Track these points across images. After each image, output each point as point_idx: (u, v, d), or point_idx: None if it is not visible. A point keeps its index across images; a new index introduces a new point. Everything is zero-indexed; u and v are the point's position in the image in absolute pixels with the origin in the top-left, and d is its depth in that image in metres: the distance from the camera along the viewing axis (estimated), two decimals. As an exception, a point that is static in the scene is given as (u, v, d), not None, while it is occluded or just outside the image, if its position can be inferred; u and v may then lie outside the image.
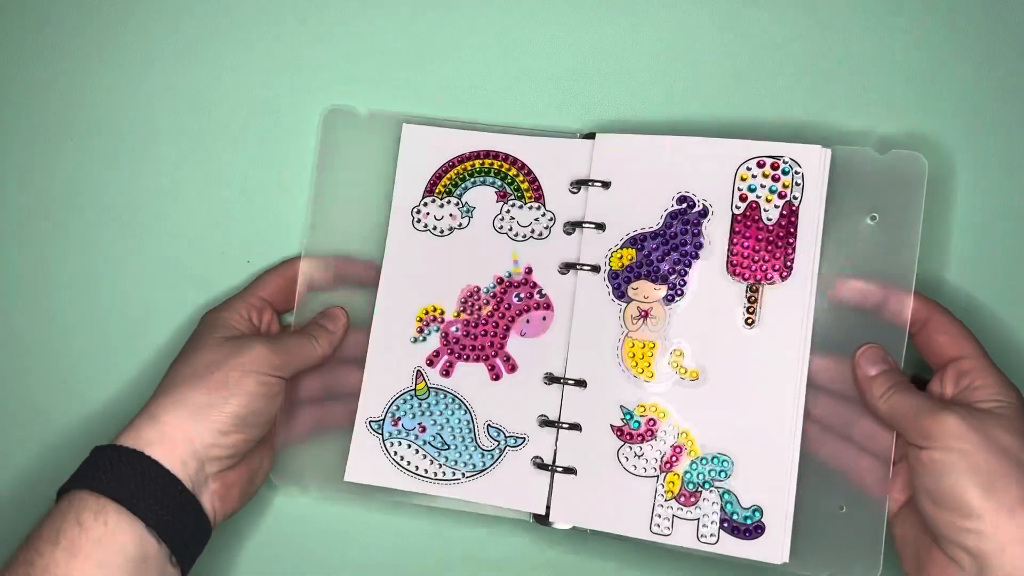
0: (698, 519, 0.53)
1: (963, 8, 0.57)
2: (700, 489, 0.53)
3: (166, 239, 0.61)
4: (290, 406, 0.56)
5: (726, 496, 0.53)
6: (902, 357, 0.51)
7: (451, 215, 0.57)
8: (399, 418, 0.56)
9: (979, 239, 0.57)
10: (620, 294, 0.55)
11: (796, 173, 0.53)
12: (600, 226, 0.55)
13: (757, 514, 0.52)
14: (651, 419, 0.54)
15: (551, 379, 0.56)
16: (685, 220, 0.54)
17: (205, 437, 0.49)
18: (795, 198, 0.53)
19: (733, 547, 0.52)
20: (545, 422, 0.55)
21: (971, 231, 0.57)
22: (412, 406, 0.56)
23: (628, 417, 0.55)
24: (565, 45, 0.60)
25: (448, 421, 0.56)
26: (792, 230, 0.53)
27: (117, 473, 0.47)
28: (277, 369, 0.52)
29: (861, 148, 0.52)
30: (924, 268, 0.54)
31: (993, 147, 0.57)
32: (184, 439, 0.49)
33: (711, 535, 0.53)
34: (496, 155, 0.57)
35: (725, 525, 0.53)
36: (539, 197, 0.57)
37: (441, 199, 0.57)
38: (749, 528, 0.52)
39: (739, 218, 0.54)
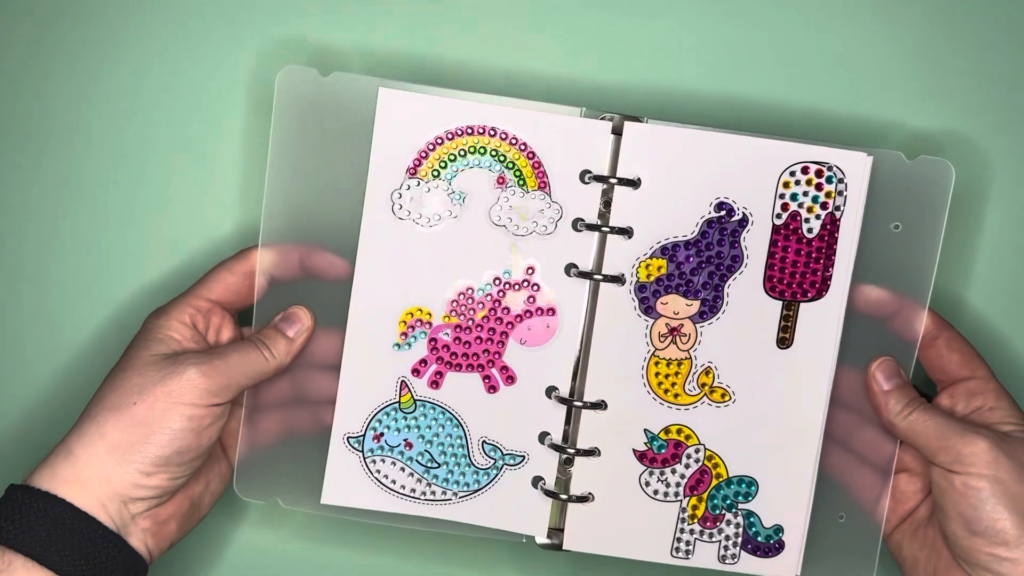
0: (720, 541, 0.52)
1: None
2: (724, 512, 0.52)
3: (89, 221, 0.57)
4: (253, 412, 0.52)
5: (750, 518, 0.52)
6: (911, 371, 0.51)
7: (440, 202, 0.49)
8: (381, 433, 0.51)
9: (1005, 260, 0.55)
10: (647, 308, 0.51)
11: (840, 182, 0.49)
12: (625, 231, 0.49)
13: (779, 533, 0.52)
14: (677, 443, 0.52)
15: (558, 396, 0.52)
16: (723, 230, 0.50)
17: (125, 478, 0.46)
18: (838, 210, 0.49)
19: (751, 566, 0.52)
20: (551, 444, 0.52)
21: (999, 251, 0.55)
22: (396, 420, 0.51)
23: (652, 441, 0.51)
24: (587, 9, 0.53)
25: (438, 437, 0.51)
26: (833, 245, 0.50)
27: (26, 521, 0.45)
28: (212, 396, 0.47)
29: (892, 151, 0.50)
30: (944, 285, 0.54)
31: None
32: (102, 479, 0.46)
33: (732, 556, 0.52)
34: (494, 132, 0.48)
35: (748, 546, 0.52)
36: (544, 185, 0.49)
37: (427, 182, 0.49)
38: (771, 547, 0.52)
39: (779, 229, 0.50)
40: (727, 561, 0.52)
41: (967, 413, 0.50)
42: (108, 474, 0.46)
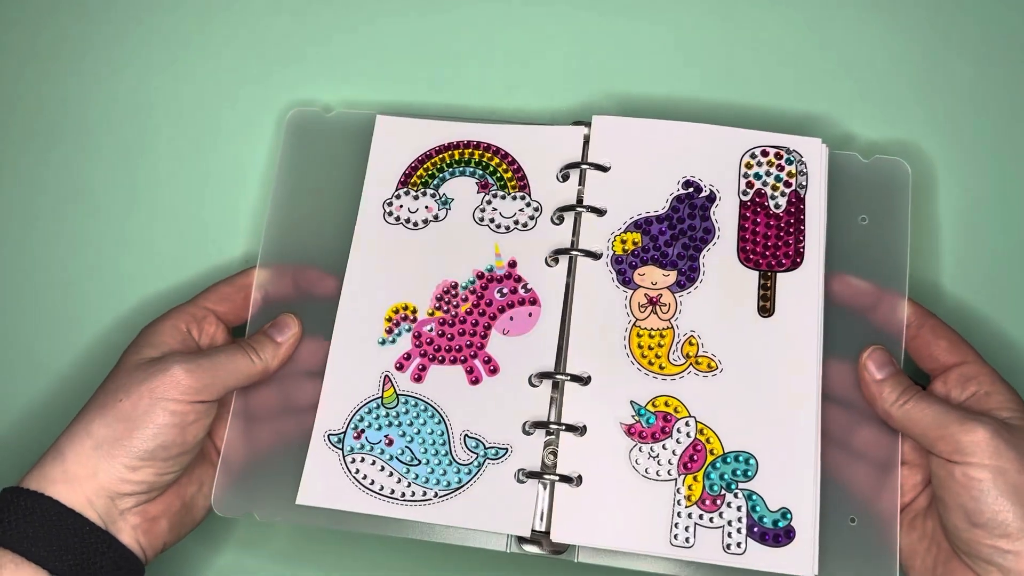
0: (722, 527, 0.49)
1: (956, 20, 0.61)
2: (724, 492, 0.50)
3: (115, 241, 0.61)
4: (241, 423, 0.53)
5: (753, 499, 0.50)
6: (901, 361, 0.52)
7: (426, 207, 0.53)
8: (362, 430, 0.51)
9: (968, 244, 0.59)
10: (625, 280, 0.53)
11: (800, 163, 0.54)
12: (599, 211, 0.53)
13: (787, 517, 0.49)
14: (666, 415, 0.51)
15: (542, 377, 0.52)
16: (692, 204, 0.54)
17: (111, 473, 0.48)
18: (801, 187, 0.54)
19: (761, 558, 0.49)
20: (535, 424, 0.51)
21: (959, 236, 0.59)
22: (378, 416, 0.51)
23: (640, 413, 0.51)
24: (557, 32, 0.62)
25: (419, 432, 0.51)
26: (801, 217, 0.54)
27: (14, 520, 0.47)
28: (196, 393, 0.49)
29: (847, 152, 0.55)
30: (917, 275, 0.57)
31: (973, 153, 0.60)
32: (88, 475, 0.48)
33: (738, 544, 0.49)
34: (477, 145, 0.54)
35: (754, 531, 0.49)
36: (524, 187, 0.54)
37: (416, 191, 0.53)
38: (780, 533, 0.49)
39: (747, 204, 0.54)
40: (732, 550, 0.49)
41: (963, 399, 0.50)
42: (94, 470, 0.48)
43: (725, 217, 0.54)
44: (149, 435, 0.48)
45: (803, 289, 0.52)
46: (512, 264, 0.55)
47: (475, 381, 0.53)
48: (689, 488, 0.50)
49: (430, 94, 0.61)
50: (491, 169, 0.57)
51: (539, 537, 0.51)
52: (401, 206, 0.56)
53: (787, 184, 0.54)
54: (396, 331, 0.54)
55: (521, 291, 0.55)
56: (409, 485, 0.51)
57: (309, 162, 0.58)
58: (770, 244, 0.53)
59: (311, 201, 0.57)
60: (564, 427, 0.51)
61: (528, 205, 0.56)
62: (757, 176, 0.54)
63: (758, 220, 0.54)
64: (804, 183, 0.54)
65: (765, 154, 0.55)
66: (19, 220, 0.61)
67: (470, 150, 0.57)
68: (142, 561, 0.50)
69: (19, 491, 0.47)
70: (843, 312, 0.53)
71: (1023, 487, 0.46)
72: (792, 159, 0.54)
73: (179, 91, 0.62)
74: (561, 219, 0.55)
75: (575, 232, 0.55)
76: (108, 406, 0.49)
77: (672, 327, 0.52)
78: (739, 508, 0.50)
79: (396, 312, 0.54)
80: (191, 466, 0.52)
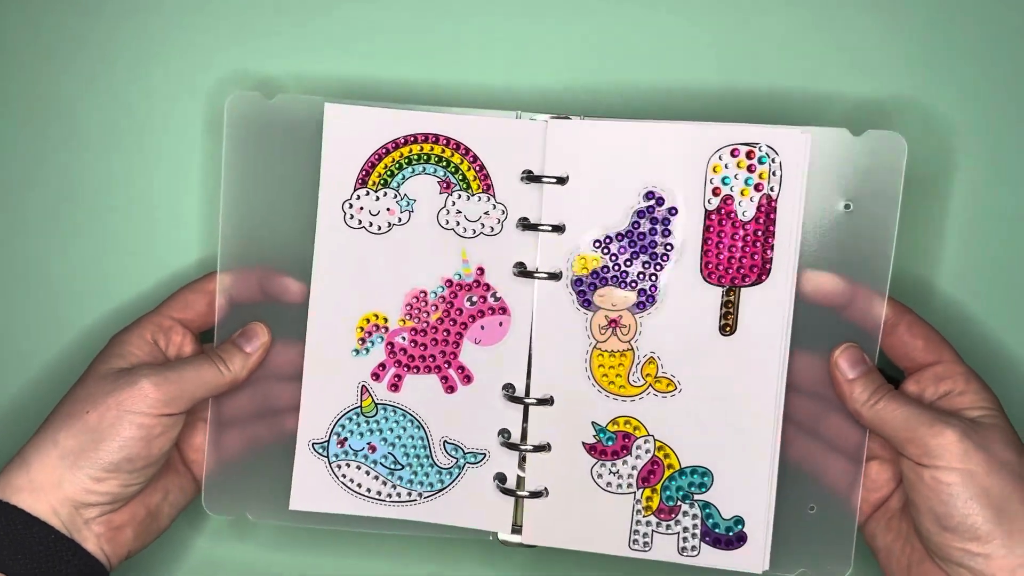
0: (678, 533, 0.54)
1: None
2: (679, 503, 0.54)
3: (60, 250, 0.61)
4: (218, 428, 0.57)
5: (707, 509, 0.54)
6: (875, 358, 0.52)
7: (388, 209, 0.53)
8: (345, 439, 0.55)
9: (974, 239, 0.56)
10: (585, 302, 0.54)
11: (773, 162, 0.52)
12: (558, 228, 0.53)
13: (739, 524, 0.54)
14: (625, 434, 0.54)
15: (512, 392, 0.55)
16: (654, 219, 0.53)
17: (76, 483, 0.50)
18: (772, 190, 0.52)
19: (714, 559, 0.54)
20: (507, 441, 0.55)
21: (966, 230, 0.56)
22: (359, 424, 0.55)
23: (601, 434, 0.54)
24: (517, 9, 0.57)
25: (400, 439, 0.55)
26: (770, 227, 0.52)
27: None
28: (164, 406, 0.52)
29: (836, 128, 0.51)
30: (909, 268, 0.55)
31: (1000, 124, 0.55)
32: (53, 484, 0.50)
33: (692, 548, 0.54)
34: (437, 139, 0.52)
35: (707, 538, 0.54)
36: (488, 188, 0.53)
37: (376, 190, 0.53)
38: (731, 539, 0.54)
39: (712, 215, 0.53)
40: (687, 553, 0.53)
41: (936, 399, 0.51)
42: (59, 480, 0.50)
43: (689, 230, 0.53)
44: (115, 447, 0.50)
45: (769, 303, 0.52)
46: (480, 271, 0.56)
47: (450, 389, 0.56)
48: (648, 499, 0.54)
49: (380, 68, 0.58)
50: (453, 167, 0.55)
51: (518, 530, 0.56)
52: (362, 208, 0.56)
53: (757, 188, 0.52)
54: (369, 341, 0.57)
55: (491, 300, 0.56)
56: (394, 487, 0.57)
57: (256, 154, 0.56)
58: (735, 257, 0.53)
59: (264, 195, 0.56)
60: (531, 448, 0.55)
61: (494, 208, 0.55)
62: (725, 181, 0.52)
63: (723, 232, 0.53)
64: (776, 185, 0.52)
65: (734, 155, 0.52)
66: None
67: (429, 145, 0.55)
68: (107, 568, 0.52)
69: None
70: (816, 308, 0.53)
71: (993, 489, 0.47)
72: (765, 158, 0.52)
73: (96, 70, 0.60)
74: (526, 227, 0.54)
75: (537, 249, 0.54)
76: (75, 416, 0.51)
77: (632, 348, 0.54)
78: (694, 516, 0.54)
79: (368, 322, 0.57)
80: (156, 475, 0.54)
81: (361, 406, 0.57)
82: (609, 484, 0.55)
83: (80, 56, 0.60)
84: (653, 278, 0.53)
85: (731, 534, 0.54)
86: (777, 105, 0.56)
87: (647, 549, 0.55)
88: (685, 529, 0.54)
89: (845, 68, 0.56)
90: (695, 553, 0.54)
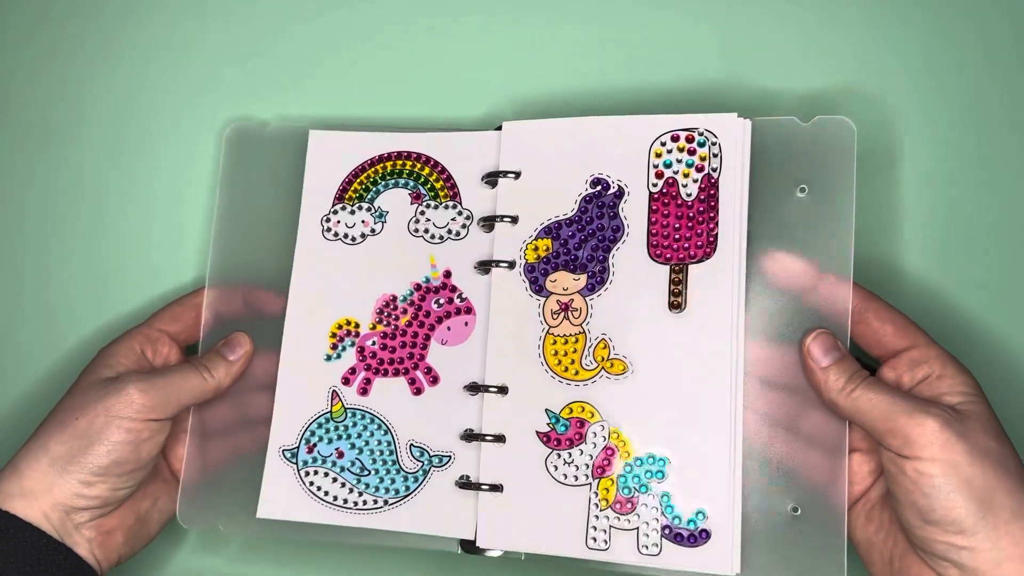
0: (637, 528, 0.52)
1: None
2: (637, 494, 0.53)
3: (60, 265, 0.66)
4: (199, 439, 0.59)
5: (664, 499, 0.52)
6: (847, 345, 0.51)
7: (363, 221, 0.57)
8: (314, 444, 0.56)
9: (934, 215, 0.56)
10: (538, 288, 0.55)
11: (713, 144, 0.54)
12: (513, 219, 0.56)
13: (700, 517, 0.51)
14: (579, 420, 0.54)
15: (474, 388, 0.55)
16: (600, 203, 0.55)
17: (66, 488, 0.52)
18: (714, 170, 0.54)
19: (677, 558, 0.51)
20: (469, 436, 0.54)
21: (924, 206, 0.56)
22: (328, 430, 0.56)
23: (554, 421, 0.54)
24: (463, 34, 0.63)
25: (367, 444, 0.56)
26: (713, 203, 0.53)
27: None
28: (150, 411, 0.54)
29: (785, 117, 0.53)
30: (872, 252, 0.55)
31: (947, 106, 0.56)
32: (44, 490, 0.52)
33: (653, 545, 0.52)
34: (408, 155, 0.56)
35: (667, 532, 0.52)
36: (455, 195, 0.56)
37: (352, 205, 0.57)
38: (693, 534, 0.51)
39: (656, 196, 0.55)
40: (647, 552, 0.51)
41: (913, 385, 0.50)
42: (50, 485, 0.52)
43: (634, 212, 0.54)
44: (104, 451, 0.52)
45: (717, 279, 0.53)
46: (447, 274, 0.58)
47: (418, 392, 0.57)
48: (606, 491, 0.53)
49: (359, 107, 0.64)
50: (423, 179, 0.59)
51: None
52: (339, 221, 0.60)
53: (699, 169, 0.54)
54: (341, 346, 0.59)
55: (457, 300, 0.58)
56: (360, 494, 0.57)
57: (249, 178, 0.62)
58: (680, 236, 0.53)
59: (253, 218, 0.61)
60: (490, 438, 0.54)
61: (460, 214, 0.58)
62: (667, 164, 0.54)
63: (668, 212, 0.54)
64: (718, 165, 0.53)
65: (675, 139, 0.54)
66: None
67: (402, 161, 0.59)
68: (98, 573, 0.54)
69: None
70: (783, 295, 0.52)
71: (975, 480, 0.45)
72: (704, 140, 0.54)
73: (116, 111, 0.67)
74: (490, 227, 0.57)
75: (493, 241, 0.57)
76: (65, 424, 0.53)
77: (584, 331, 0.54)
78: (653, 509, 0.52)
79: (340, 328, 0.59)
80: (145, 482, 0.56)
81: (331, 411, 0.58)
82: (565, 476, 0.54)
83: (87, 85, 0.67)
84: (602, 260, 0.55)
85: (693, 528, 0.51)
86: (726, 99, 0.58)
87: (606, 547, 0.52)
88: (646, 524, 0.52)
89: (790, 62, 0.58)
90: (656, 551, 0.52)
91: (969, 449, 0.46)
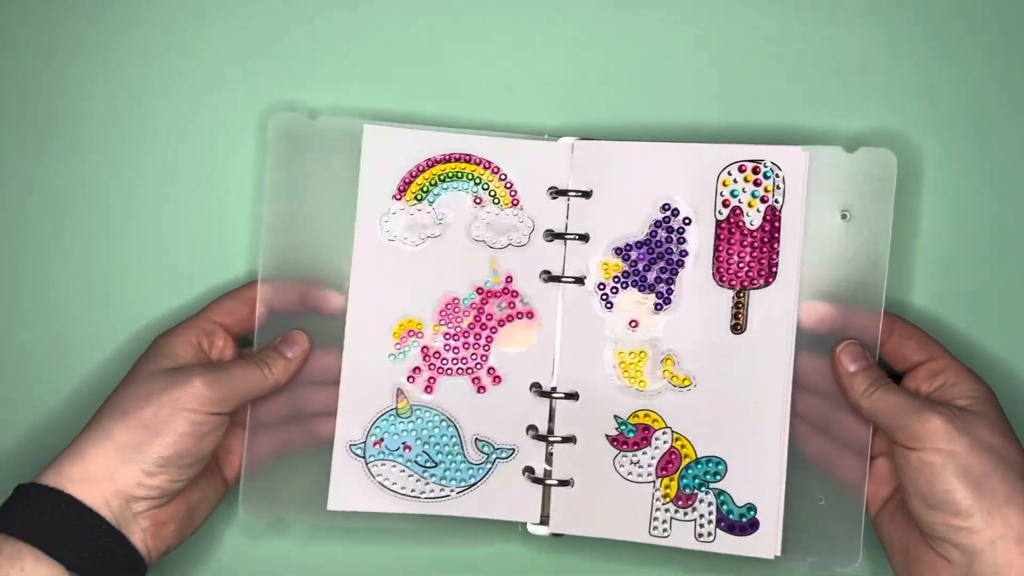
0: (695, 520, 0.60)
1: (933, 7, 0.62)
2: (696, 491, 0.59)
3: (110, 254, 0.66)
4: (255, 433, 0.61)
5: (721, 497, 0.59)
6: (876, 357, 0.58)
7: (423, 224, 0.58)
8: (381, 439, 0.60)
9: (945, 247, 0.63)
10: (608, 305, 0.59)
11: (777, 176, 0.58)
12: (583, 237, 0.59)
13: (752, 511, 0.59)
14: (645, 426, 0.59)
15: (539, 389, 0.58)
16: (669, 228, 0.59)
17: (129, 477, 0.54)
18: (777, 202, 0.58)
19: (729, 544, 0.59)
20: (536, 434, 0.60)
21: (938, 238, 0.63)
22: (394, 425, 0.60)
23: (623, 426, 0.59)
24: (541, 47, 0.64)
25: (433, 438, 0.59)
26: (776, 235, 0.58)
27: (34, 514, 0.51)
28: (214, 405, 0.55)
29: (831, 147, 0.58)
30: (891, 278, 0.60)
31: (963, 150, 0.62)
32: (107, 477, 0.53)
33: (708, 534, 0.60)
34: (469, 158, 0.58)
35: (722, 524, 0.59)
36: (516, 203, 0.58)
37: (411, 206, 0.58)
38: (744, 525, 0.59)
39: (723, 224, 0.59)
40: (703, 539, 0.58)
41: (930, 391, 0.57)
42: (113, 472, 0.53)
43: (701, 238, 0.59)
44: (168, 443, 0.54)
45: (776, 304, 0.59)
46: (509, 279, 0.61)
47: (481, 389, 0.62)
48: (666, 488, 0.60)
49: (414, 103, 0.64)
50: (484, 184, 0.61)
51: (545, 521, 0.61)
52: (399, 222, 0.61)
53: (763, 200, 0.59)
54: (405, 346, 0.62)
55: (519, 305, 0.61)
56: (428, 484, 0.62)
57: (298, 171, 0.62)
58: (744, 263, 0.59)
59: (305, 211, 0.62)
60: (559, 439, 0.60)
61: (521, 222, 0.61)
62: (733, 193, 0.59)
63: (732, 240, 0.59)
64: (780, 197, 0.58)
65: (742, 170, 0.58)
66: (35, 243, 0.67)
67: (462, 164, 0.61)
68: (147, 563, 0.55)
69: (39, 487, 0.52)
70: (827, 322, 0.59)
71: (974, 468, 0.52)
72: (769, 173, 0.58)
73: (156, 97, 0.66)
74: (552, 238, 0.60)
75: (563, 256, 0.60)
76: (129, 413, 0.54)
77: (650, 347, 0.59)
78: (710, 504, 0.60)
79: (403, 328, 0.62)
80: (197, 474, 0.57)
81: (397, 408, 0.62)
82: (630, 474, 0.60)
83: (133, 79, 0.66)
84: (669, 282, 0.60)
85: (744, 520, 0.59)
86: (779, 129, 0.63)
87: (666, 535, 0.60)
88: (701, 516, 0.60)
89: (836, 100, 0.63)
90: (711, 539, 0.59)
91: (970, 442, 0.52)
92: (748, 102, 0.63)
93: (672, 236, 0.59)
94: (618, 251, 0.60)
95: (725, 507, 0.59)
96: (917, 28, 0.62)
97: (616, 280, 0.60)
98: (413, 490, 0.62)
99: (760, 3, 0.63)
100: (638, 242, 0.60)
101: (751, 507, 0.59)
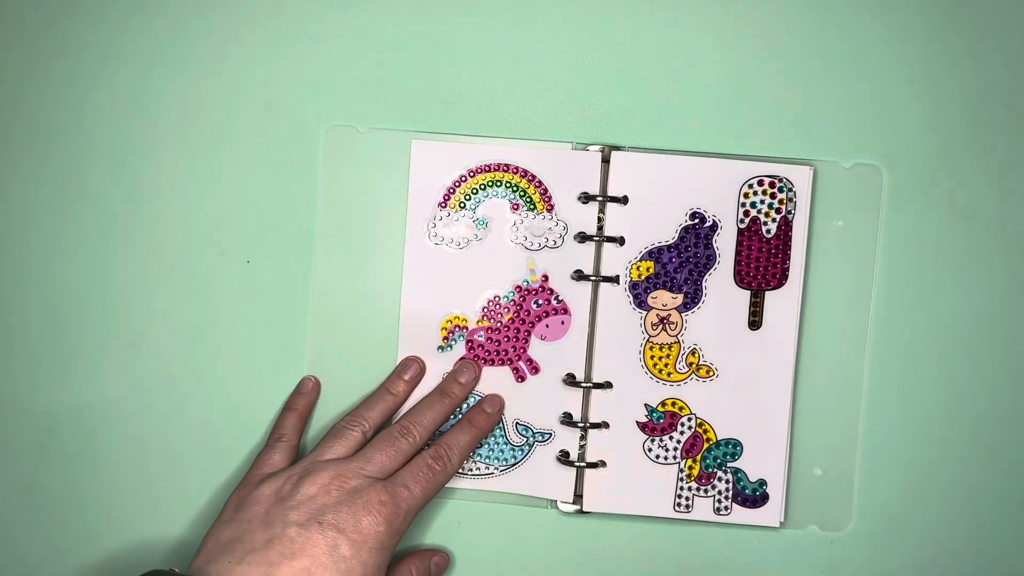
0: (714, 496, 0.68)
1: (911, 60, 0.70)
2: (716, 470, 0.67)
3: (166, 244, 0.71)
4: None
5: (738, 474, 0.67)
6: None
7: (466, 227, 0.65)
8: (432, 422, 0.67)
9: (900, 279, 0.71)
10: (640, 303, 0.67)
11: (790, 191, 0.65)
12: (619, 240, 0.65)
13: (763, 486, 0.69)
14: (672, 413, 0.67)
15: (572, 380, 0.65)
16: (697, 234, 0.66)
17: None
18: (789, 213, 0.65)
19: (742, 516, 0.69)
20: (569, 421, 0.66)
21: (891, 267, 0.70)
22: (443, 410, 0.67)
23: (652, 413, 0.66)
24: (573, 61, 0.71)
25: (478, 422, 0.67)
26: (788, 242, 0.66)
27: None
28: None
29: (831, 161, 0.68)
30: None
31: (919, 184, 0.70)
32: None
33: (725, 508, 0.68)
34: (507, 167, 0.65)
35: (738, 499, 0.68)
36: (551, 208, 0.65)
37: (456, 212, 0.65)
38: (757, 499, 0.69)
39: (743, 232, 0.64)
40: (721, 513, 0.67)
41: None
42: None
43: (725, 244, 0.67)
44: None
45: (786, 304, 0.68)
46: (545, 278, 0.69)
47: (521, 379, 0.70)
48: (690, 468, 0.69)
49: (455, 117, 0.71)
50: (520, 191, 0.69)
51: (578, 501, 0.70)
52: (445, 227, 0.69)
53: (778, 211, 0.67)
54: (452, 339, 0.70)
55: (554, 302, 0.69)
56: (474, 462, 0.70)
57: (348, 179, 0.70)
58: (760, 267, 0.67)
59: (355, 217, 0.70)
60: (591, 425, 0.69)
61: (556, 225, 0.69)
62: (753, 204, 0.67)
63: (751, 246, 0.67)
64: (792, 209, 0.67)
65: (761, 184, 0.67)
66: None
67: (500, 173, 0.69)
68: None
69: None
70: (825, 318, 0.69)
71: None
72: (784, 187, 0.67)
73: (219, 99, 0.71)
74: (583, 240, 0.68)
75: (597, 256, 0.68)
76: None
77: (679, 342, 0.68)
78: (727, 481, 0.69)
79: (450, 323, 0.70)
80: None
81: (445, 395, 0.71)
82: (658, 456, 0.69)
83: (188, 106, 0.72)
84: (696, 283, 0.68)
85: (756, 494, 0.69)
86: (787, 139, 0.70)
87: (688, 511, 0.69)
88: (720, 492, 0.69)
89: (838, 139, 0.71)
90: (728, 512, 0.69)
91: None
92: (758, 126, 0.70)
93: (700, 241, 0.68)
94: (651, 254, 0.68)
95: (741, 483, 0.69)
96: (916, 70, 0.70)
97: (648, 281, 0.68)
98: (461, 468, 0.70)
99: (778, 47, 0.70)
100: (669, 246, 0.68)
101: (763, 482, 0.69)
